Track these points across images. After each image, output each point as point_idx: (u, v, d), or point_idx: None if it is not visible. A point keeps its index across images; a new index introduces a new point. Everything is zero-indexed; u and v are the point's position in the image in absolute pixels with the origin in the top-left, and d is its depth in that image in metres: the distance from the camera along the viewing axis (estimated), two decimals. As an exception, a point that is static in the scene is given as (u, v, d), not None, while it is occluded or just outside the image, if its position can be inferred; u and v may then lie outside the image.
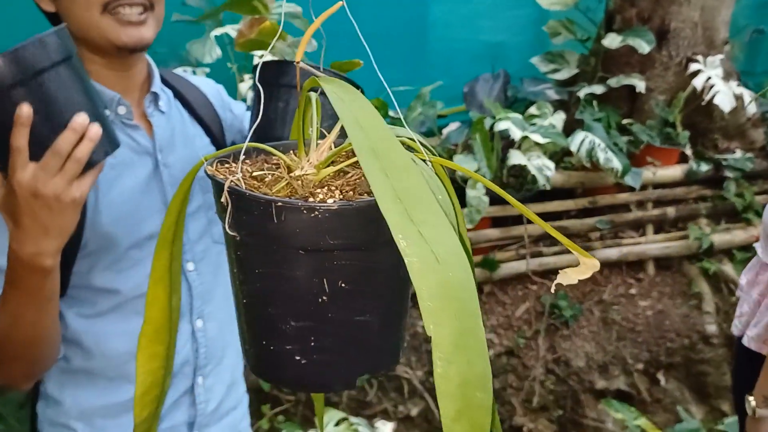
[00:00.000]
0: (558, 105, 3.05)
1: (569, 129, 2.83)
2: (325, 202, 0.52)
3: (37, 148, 0.76)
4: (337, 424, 2.07)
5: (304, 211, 0.51)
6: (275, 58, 0.84)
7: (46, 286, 0.88)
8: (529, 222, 2.77)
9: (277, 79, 0.99)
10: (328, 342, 0.57)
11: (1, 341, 0.93)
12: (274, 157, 0.67)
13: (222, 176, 0.57)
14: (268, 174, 0.63)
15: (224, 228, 0.58)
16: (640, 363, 2.71)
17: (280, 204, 0.51)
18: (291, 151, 0.66)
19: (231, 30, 2.85)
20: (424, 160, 0.59)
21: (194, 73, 2.76)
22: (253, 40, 2.64)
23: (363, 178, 0.62)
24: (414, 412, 2.52)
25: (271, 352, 0.58)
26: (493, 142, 2.72)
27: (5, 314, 0.91)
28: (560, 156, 2.90)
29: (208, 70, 2.78)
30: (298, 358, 0.57)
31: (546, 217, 2.83)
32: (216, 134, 1.18)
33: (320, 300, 0.54)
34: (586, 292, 2.82)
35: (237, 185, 0.55)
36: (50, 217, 0.80)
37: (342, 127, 0.66)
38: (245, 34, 2.88)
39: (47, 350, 0.98)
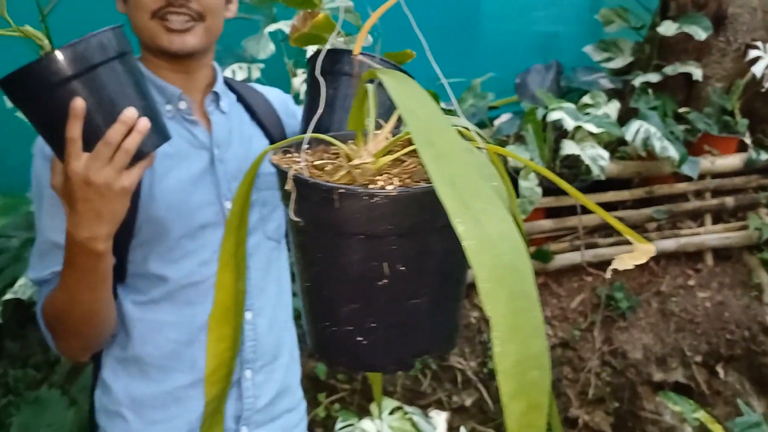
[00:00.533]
0: (612, 94, 3.00)
1: (624, 118, 2.78)
2: (385, 188, 0.54)
3: (91, 139, 0.82)
4: (392, 412, 2.10)
5: (365, 198, 0.54)
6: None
7: (100, 268, 0.94)
8: (584, 212, 2.74)
9: (327, 67, 1.02)
10: (386, 323, 0.59)
11: (61, 316, 1.01)
12: (332, 147, 0.70)
13: (286, 165, 0.60)
14: (328, 163, 0.66)
15: (288, 214, 0.61)
16: (699, 355, 2.65)
17: (342, 191, 0.54)
18: (349, 141, 0.69)
19: (284, 26, 2.90)
20: (479, 149, 0.60)
21: (249, 69, 2.82)
22: (307, 34, 2.68)
23: (419, 166, 0.64)
24: (468, 402, 2.53)
25: (331, 334, 0.61)
26: (546, 132, 2.70)
27: (64, 292, 0.98)
28: (615, 145, 2.86)
29: (262, 66, 2.83)
30: (359, 338, 0.59)
31: (601, 207, 2.79)
32: (276, 137, 1.21)
33: (379, 283, 0.57)
34: (644, 284, 2.77)
35: (300, 173, 0.57)
36: (102, 204, 0.85)
37: (399, 117, 0.69)
38: (298, 28, 2.93)
39: (101, 327, 1.04)
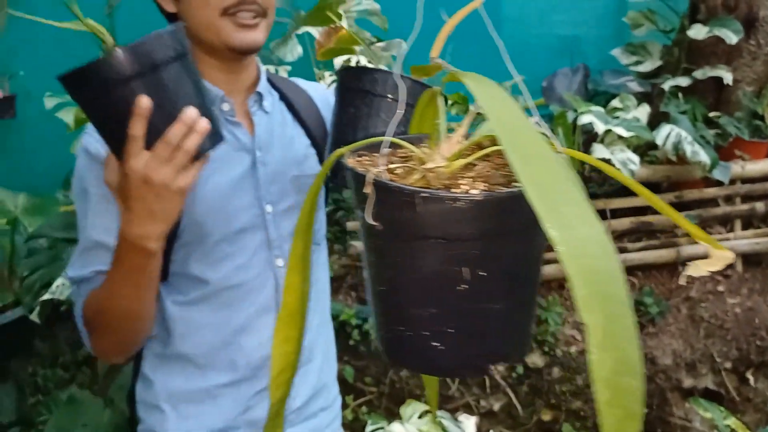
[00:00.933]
0: (641, 97, 2.98)
1: (653, 122, 2.76)
2: (468, 192, 0.53)
3: (150, 138, 0.81)
4: (421, 416, 2.09)
5: (449, 202, 0.53)
6: (354, 65, 0.86)
7: (148, 267, 0.94)
8: (613, 216, 2.73)
9: (349, 84, 1.01)
10: (463, 329, 0.59)
11: (102, 314, 1.01)
12: (400, 150, 0.69)
13: (363, 169, 0.60)
14: (399, 166, 0.65)
15: (362, 218, 0.60)
16: (728, 361, 2.62)
17: (425, 195, 0.54)
18: (419, 145, 0.68)
19: (312, 29, 2.91)
20: (557, 152, 0.60)
21: (276, 71, 2.83)
22: (333, 48, 2.69)
23: (493, 170, 0.64)
24: (496, 407, 2.52)
25: (405, 338, 0.61)
26: (575, 136, 2.68)
27: (109, 289, 0.98)
28: (644, 149, 2.84)
29: (289, 68, 2.84)
30: (435, 344, 0.59)
31: (630, 212, 2.77)
32: (317, 136, 1.21)
33: (459, 287, 0.56)
34: (673, 289, 2.75)
35: (380, 177, 0.57)
36: (158, 203, 0.85)
37: (469, 122, 0.68)
38: (323, 44, 2.93)
39: (141, 327, 1.04)
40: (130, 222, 0.88)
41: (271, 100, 1.17)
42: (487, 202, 0.53)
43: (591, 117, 2.61)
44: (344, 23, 2.91)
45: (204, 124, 0.83)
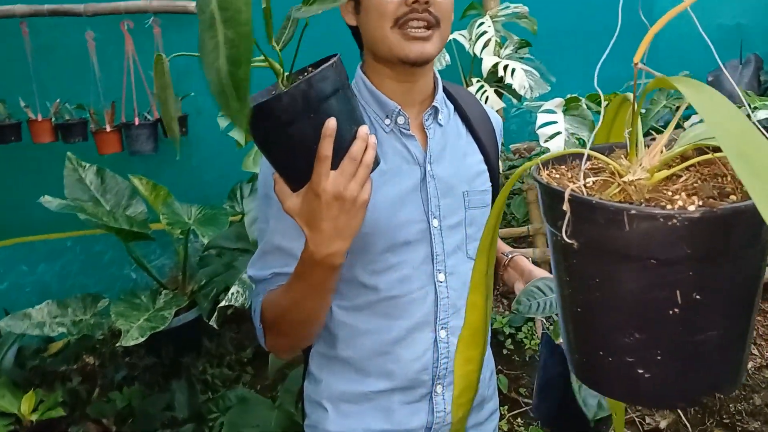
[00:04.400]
0: (824, 89, 2.70)
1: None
2: (685, 209, 0.49)
3: (333, 158, 0.85)
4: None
5: (661, 219, 0.49)
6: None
7: (330, 280, 0.97)
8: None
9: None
10: (674, 356, 0.54)
11: (279, 319, 1.05)
12: (589, 161, 0.66)
13: (559, 184, 0.57)
14: (592, 179, 0.62)
15: (554, 235, 0.57)
16: None
17: (633, 212, 0.50)
18: (611, 155, 0.64)
19: (458, 36, 2.90)
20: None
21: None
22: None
23: (700, 181, 0.58)
24: (663, 424, 2.37)
25: (606, 364, 0.57)
26: (749, 134, 2.47)
27: (288, 299, 1.01)
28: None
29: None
30: (640, 371, 0.55)
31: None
32: (491, 155, 1.19)
33: (671, 312, 0.52)
34: None
35: (578, 193, 0.54)
36: (346, 220, 0.88)
37: (671, 131, 0.63)
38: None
39: (313, 331, 1.09)
40: (318, 243, 0.90)
41: (447, 112, 1.17)
42: (705, 219, 0.48)
43: (767, 112, 2.39)
44: (491, 28, 2.87)
45: (374, 139, 0.87)
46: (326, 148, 0.83)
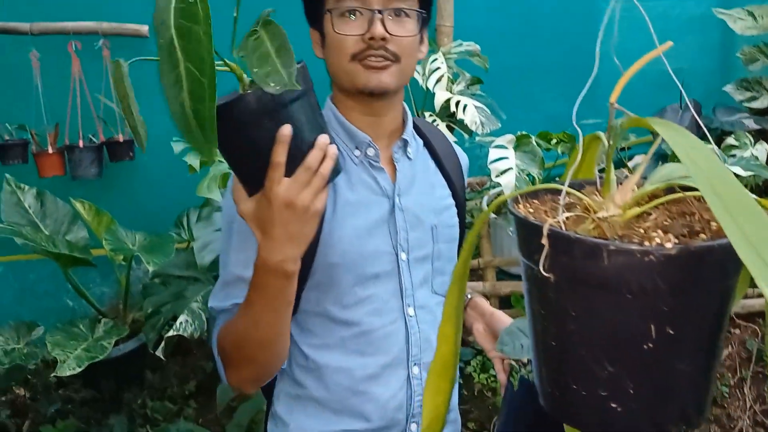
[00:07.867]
0: (757, 135, 2.84)
1: (773, 161, 2.62)
2: (662, 246, 0.50)
3: (289, 165, 0.86)
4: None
5: (638, 255, 0.50)
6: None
7: (287, 291, 0.96)
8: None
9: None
10: (647, 389, 0.55)
11: (240, 343, 1.02)
12: (557, 197, 0.67)
13: (536, 218, 0.58)
14: (566, 214, 0.63)
15: (530, 268, 0.58)
16: None
17: (612, 248, 0.51)
18: (581, 191, 0.66)
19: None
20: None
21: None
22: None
23: (670, 219, 0.60)
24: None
25: (579, 397, 0.57)
26: (688, 175, 2.57)
27: (246, 317, 0.99)
28: (763, 189, 2.69)
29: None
30: (613, 405, 0.55)
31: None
32: (458, 190, 1.20)
33: (645, 346, 0.53)
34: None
35: (556, 227, 0.55)
36: (297, 226, 0.88)
37: (642, 170, 0.65)
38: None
39: (277, 353, 1.05)
40: (270, 249, 0.90)
41: (416, 146, 1.18)
42: (681, 256, 0.50)
43: (706, 155, 2.50)
44: (443, 64, 2.92)
45: (334, 150, 0.87)
46: (279, 154, 0.84)
